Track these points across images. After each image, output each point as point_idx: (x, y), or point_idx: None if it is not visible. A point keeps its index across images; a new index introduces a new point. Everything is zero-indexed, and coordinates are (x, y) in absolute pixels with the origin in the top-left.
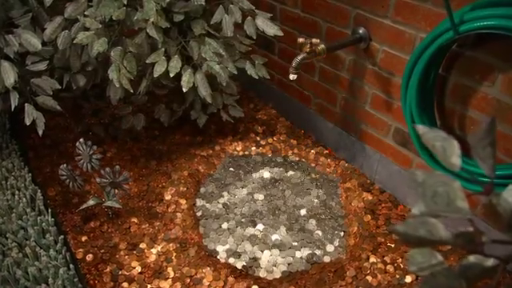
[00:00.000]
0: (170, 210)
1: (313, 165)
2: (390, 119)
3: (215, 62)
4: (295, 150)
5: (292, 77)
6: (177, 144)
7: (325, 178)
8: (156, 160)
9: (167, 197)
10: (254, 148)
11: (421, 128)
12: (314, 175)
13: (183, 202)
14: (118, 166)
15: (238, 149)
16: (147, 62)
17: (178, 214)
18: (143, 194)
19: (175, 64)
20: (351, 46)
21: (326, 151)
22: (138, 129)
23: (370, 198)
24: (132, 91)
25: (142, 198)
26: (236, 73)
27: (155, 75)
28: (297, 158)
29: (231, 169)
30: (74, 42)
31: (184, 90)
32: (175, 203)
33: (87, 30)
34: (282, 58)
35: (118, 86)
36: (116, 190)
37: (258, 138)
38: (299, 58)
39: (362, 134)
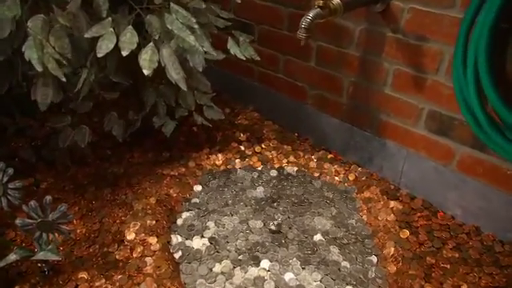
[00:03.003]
0: (135, 255)
1: (316, 174)
2: (420, 101)
3: (188, 33)
4: (291, 158)
5: (302, 41)
6: (137, 164)
7: (335, 190)
8: (110, 187)
9: (130, 236)
10: (238, 160)
11: None
12: (320, 188)
13: (153, 240)
14: (49, 197)
15: (218, 163)
16: (86, 35)
17: (148, 260)
18: (95, 236)
19: (129, 38)
20: (363, 10)
21: (331, 155)
22: (82, 147)
23: (400, 207)
24: (64, 79)
25: (92, 242)
26: (215, 54)
27: (100, 54)
28: (295, 168)
29: (212, 190)
30: None
31: (146, 72)
32: (142, 244)
33: None
34: (264, 43)
35: (40, 69)
36: (51, 235)
37: (242, 148)
38: (311, 14)
39: (381, 127)
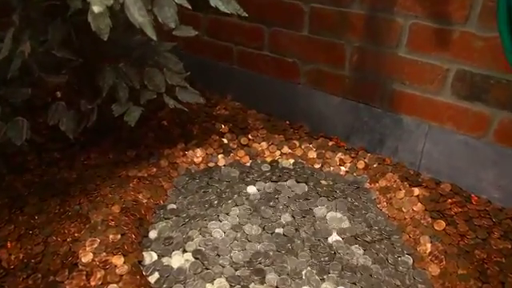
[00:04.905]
0: (94, 283)
1: (317, 166)
2: (445, 61)
3: None
4: (285, 150)
5: None
6: (94, 166)
7: (344, 182)
8: (59, 197)
9: (86, 257)
10: (221, 156)
11: None
12: (325, 181)
13: (119, 261)
14: None
15: (197, 160)
16: None
17: (113, 287)
18: (36, 262)
19: None
20: None
21: (332, 142)
22: (17, 145)
23: (427, 194)
24: None
25: (33, 270)
26: (190, 7)
27: None
28: (291, 161)
29: (193, 192)
30: None
31: (96, 9)
32: (103, 266)
33: None
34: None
35: None
36: None
37: (225, 140)
38: None
39: (395, 100)
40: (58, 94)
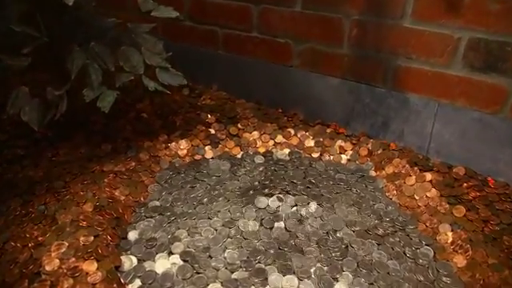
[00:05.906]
0: None
1: (315, 155)
2: (456, 29)
3: None
4: (279, 139)
5: None
6: (63, 162)
7: (347, 171)
8: (21, 197)
9: (50, 264)
10: (208, 147)
11: None
12: (325, 170)
13: (91, 267)
14: None
15: (182, 152)
16: None
17: None
18: None
19: None
20: None
21: (330, 129)
22: None
23: (440, 178)
24: None
25: None
26: None
27: None
28: (287, 151)
29: (178, 188)
30: None
31: None
32: (72, 274)
33: None
34: None
35: None
36: None
37: (212, 131)
38: None
39: (400, 77)
40: (26, 88)
